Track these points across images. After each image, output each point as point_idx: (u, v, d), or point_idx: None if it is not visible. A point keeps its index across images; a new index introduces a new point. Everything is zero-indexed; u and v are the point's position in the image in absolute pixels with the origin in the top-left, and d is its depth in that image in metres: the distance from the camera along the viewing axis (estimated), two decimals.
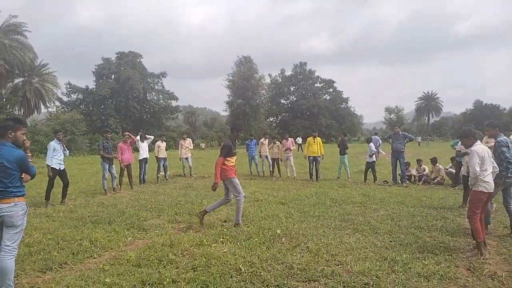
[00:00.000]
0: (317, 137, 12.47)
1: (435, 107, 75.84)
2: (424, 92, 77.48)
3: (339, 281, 3.93)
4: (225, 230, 5.93)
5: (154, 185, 11.89)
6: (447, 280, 3.96)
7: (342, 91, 70.14)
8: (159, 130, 47.00)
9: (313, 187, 10.74)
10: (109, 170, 10.11)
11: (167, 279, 3.97)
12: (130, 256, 4.73)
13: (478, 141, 5.04)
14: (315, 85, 70.05)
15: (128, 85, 47.40)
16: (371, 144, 12.18)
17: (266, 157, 14.07)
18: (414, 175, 11.62)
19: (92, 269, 4.40)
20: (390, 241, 5.36)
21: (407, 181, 11.25)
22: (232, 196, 6.62)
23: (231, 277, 4.10)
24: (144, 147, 12.22)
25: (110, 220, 6.80)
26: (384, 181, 11.74)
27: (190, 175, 14.05)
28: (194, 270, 4.27)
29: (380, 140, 18.83)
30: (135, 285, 3.91)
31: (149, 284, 3.92)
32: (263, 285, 3.89)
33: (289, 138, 13.43)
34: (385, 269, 4.25)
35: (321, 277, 4.07)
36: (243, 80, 59.00)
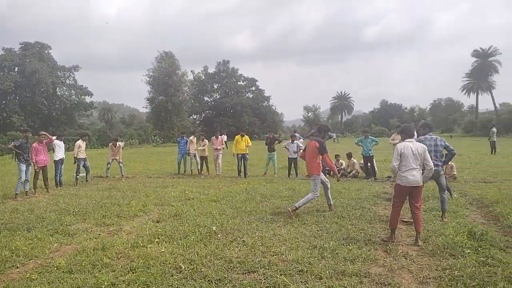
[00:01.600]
0: (245, 135, 12.79)
1: (348, 106, 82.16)
2: (338, 92, 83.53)
3: (276, 270, 4.20)
4: (159, 230, 5.87)
5: (73, 187, 11.13)
6: (369, 261, 4.47)
7: (264, 90, 72.16)
8: (71, 128, 43.61)
9: (242, 183, 11.02)
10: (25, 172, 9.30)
11: (105, 283, 3.87)
12: (59, 263, 4.47)
13: (412, 139, 5.42)
14: (238, 83, 70.98)
15: (35, 78, 43.02)
16: (297, 142, 12.87)
17: (195, 155, 14.01)
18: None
19: (17, 280, 4.09)
20: (318, 231, 5.82)
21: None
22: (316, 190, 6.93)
23: (172, 275, 4.12)
24: (61, 146, 11.36)
25: (29, 227, 6.28)
26: (306, 176, 12.43)
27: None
28: (133, 272, 4.21)
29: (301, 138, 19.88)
30: None
31: None
32: (204, 281, 3.99)
33: (219, 136, 13.56)
34: (315, 256, 4.64)
35: (259, 267, 4.30)
36: (164, 76, 57.28)
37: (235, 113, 66.51)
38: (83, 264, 4.44)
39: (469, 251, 4.57)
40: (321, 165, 7.14)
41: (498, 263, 4.14)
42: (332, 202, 7.32)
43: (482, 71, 61.96)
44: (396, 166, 5.28)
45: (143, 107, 62.52)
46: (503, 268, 3.97)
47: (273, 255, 4.70)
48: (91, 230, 6.11)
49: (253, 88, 72.59)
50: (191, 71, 69.07)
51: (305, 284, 3.83)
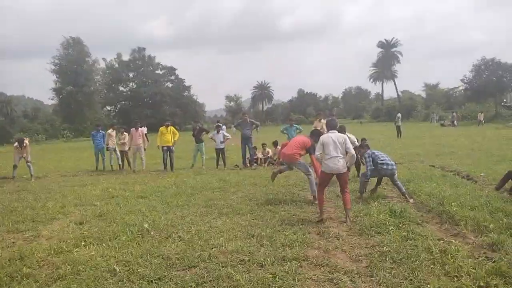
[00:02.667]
0: (170, 126, 12.37)
1: (268, 95, 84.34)
2: (258, 82, 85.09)
3: (218, 263, 4.15)
4: (85, 232, 5.42)
5: None
6: (305, 245, 4.65)
7: (184, 79, 70.47)
8: None
9: (170, 177, 10.68)
10: None
11: None
12: None
13: (334, 130, 5.91)
14: (156, 72, 68.28)
15: None
16: (222, 132, 12.85)
17: (114, 150, 13.19)
18: (260, 158, 12.82)
19: None
20: (253, 219, 5.90)
21: (255, 164, 12.35)
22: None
23: (106, 279, 3.84)
24: None
25: None
26: (235, 166, 12.59)
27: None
28: (61, 280, 3.83)
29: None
30: None
31: None
32: (143, 281, 3.79)
33: (139, 128, 12.89)
34: (254, 244, 4.69)
35: (200, 262, 4.22)
36: (73, 64, 52.80)
37: (154, 103, 64.02)
38: None
39: (392, 227, 5.01)
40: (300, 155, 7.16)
41: (418, 237, 4.60)
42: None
43: (386, 61, 68.04)
44: (319, 155, 5.79)
45: (48, 99, 57.32)
46: (422, 241, 4.43)
47: (212, 248, 4.64)
48: (3, 239, 5.41)
49: (173, 77, 70.49)
50: (103, 58, 64.66)
51: (248, 273, 3.84)
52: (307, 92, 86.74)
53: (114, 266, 4.11)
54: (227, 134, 13.17)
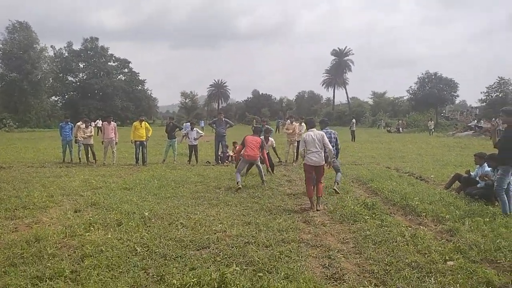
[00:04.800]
0: (144, 121, 12.55)
1: (224, 94, 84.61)
2: (214, 80, 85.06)
3: (226, 244, 4.73)
4: (91, 218, 5.71)
5: None
6: (297, 231, 5.36)
7: (138, 73, 68.66)
8: None
9: (145, 171, 10.90)
10: None
11: (67, 271, 3.81)
12: None
13: (313, 128, 6.88)
14: (109, 63, 65.80)
15: None
16: (196, 129, 13.28)
17: (82, 142, 13.04)
18: (231, 155, 13.38)
19: None
20: (244, 210, 6.51)
21: (227, 161, 12.90)
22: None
23: (130, 258, 4.26)
24: None
25: None
26: (207, 162, 13.05)
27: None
28: (87, 258, 4.19)
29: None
30: (27, 283, 3.59)
31: (48, 278, 3.68)
32: (165, 259, 4.26)
33: (112, 122, 12.91)
34: (253, 230, 5.31)
35: (210, 243, 4.77)
36: (18, 50, 49.41)
37: (105, 96, 61.73)
38: (25, 257, 4.19)
39: (367, 217, 5.88)
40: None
41: (390, 224, 5.50)
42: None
43: (338, 69, 71.24)
44: (302, 151, 6.70)
45: None
46: (395, 227, 5.33)
47: (216, 233, 5.19)
48: (3, 225, 5.53)
49: (126, 70, 68.39)
50: (52, 46, 61.14)
51: (258, 251, 4.46)
52: (262, 93, 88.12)
53: (135, 247, 4.54)
54: (201, 132, 13.61)
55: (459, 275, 3.76)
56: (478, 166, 7.56)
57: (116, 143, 12.87)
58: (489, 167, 7.19)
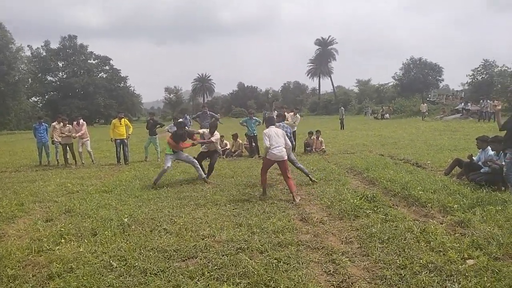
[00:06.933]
0: (124, 119, 11.83)
1: (209, 88, 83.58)
2: (199, 74, 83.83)
3: (216, 252, 4.17)
4: (62, 229, 5.08)
5: None
6: (294, 231, 4.83)
7: (120, 70, 67.17)
8: None
9: (127, 171, 10.25)
10: None
11: None
12: None
13: (273, 126, 6.98)
14: (89, 61, 64.28)
15: None
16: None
17: (60, 143, 12.26)
18: (230, 149, 12.82)
19: None
20: (234, 209, 5.95)
21: (233, 155, 12.33)
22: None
23: (104, 275, 3.68)
24: None
25: None
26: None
27: None
28: (54, 279, 3.59)
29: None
30: None
31: None
32: (145, 275, 3.69)
33: (80, 121, 12.18)
34: (246, 233, 4.76)
35: (197, 252, 4.20)
36: None
37: (87, 94, 60.23)
38: None
39: (369, 211, 5.38)
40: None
41: (395, 218, 5.01)
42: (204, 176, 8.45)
43: (323, 58, 70.90)
44: (268, 145, 6.66)
45: None
46: (402, 222, 4.84)
47: (204, 238, 4.64)
48: None
49: (107, 68, 66.92)
50: (28, 46, 59.20)
51: (252, 260, 3.92)
52: (247, 86, 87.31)
53: (110, 261, 3.94)
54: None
55: (485, 278, 3.28)
56: (480, 150, 7.13)
57: (87, 140, 12.24)
58: (492, 150, 6.78)
